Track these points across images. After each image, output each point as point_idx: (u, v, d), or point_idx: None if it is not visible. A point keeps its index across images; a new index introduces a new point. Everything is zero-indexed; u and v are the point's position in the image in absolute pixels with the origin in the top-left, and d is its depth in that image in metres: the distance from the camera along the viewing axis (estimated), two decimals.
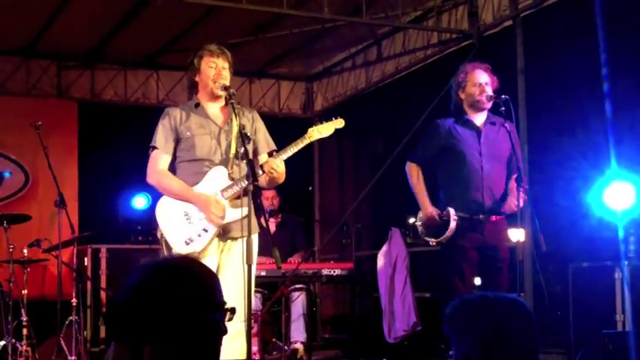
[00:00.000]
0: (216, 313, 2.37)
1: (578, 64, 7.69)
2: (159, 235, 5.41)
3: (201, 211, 5.32)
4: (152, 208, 5.60)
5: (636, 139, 7.13)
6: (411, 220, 6.20)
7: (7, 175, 9.76)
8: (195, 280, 2.36)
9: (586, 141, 7.73)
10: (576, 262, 6.76)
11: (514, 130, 6.27)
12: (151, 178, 5.50)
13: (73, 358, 7.67)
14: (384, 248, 8.73)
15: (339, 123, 5.61)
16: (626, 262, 6.33)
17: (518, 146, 6.17)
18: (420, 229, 6.22)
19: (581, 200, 7.06)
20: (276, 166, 5.34)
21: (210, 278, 2.42)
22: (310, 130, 5.51)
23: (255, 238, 4.95)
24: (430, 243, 6.22)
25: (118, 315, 2.30)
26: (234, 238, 5.40)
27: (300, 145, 5.43)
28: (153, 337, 2.25)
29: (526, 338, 2.66)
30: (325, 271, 8.06)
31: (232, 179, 5.38)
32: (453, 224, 6.02)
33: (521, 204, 5.80)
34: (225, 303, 2.42)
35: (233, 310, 2.40)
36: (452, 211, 6.05)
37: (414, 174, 6.38)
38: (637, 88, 7.33)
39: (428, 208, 6.19)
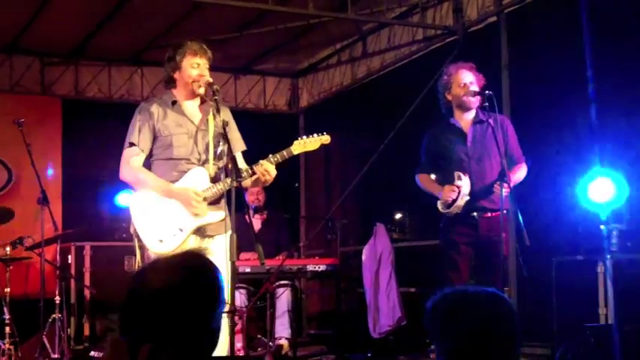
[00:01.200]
0: (218, 312, 2.39)
1: (562, 61, 7.76)
2: (132, 231, 5.36)
3: (182, 205, 5.28)
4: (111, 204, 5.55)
5: (618, 136, 7.21)
6: (440, 207, 6.17)
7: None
8: (207, 283, 2.38)
9: (570, 136, 7.81)
10: (559, 257, 6.82)
11: (507, 123, 6.31)
12: (126, 174, 5.44)
13: (56, 356, 7.65)
14: (369, 243, 8.76)
15: (325, 139, 5.59)
16: (609, 256, 6.38)
17: (501, 140, 6.18)
18: (444, 211, 6.19)
19: (564, 195, 7.13)
20: (271, 170, 5.32)
21: (217, 278, 2.43)
22: (296, 142, 5.48)
23: (229, 236, 4.93)
24: (457, 211, 6.14)
25: (128, 310, 2.33)
26: (211, 236, 5.38)
27: (284, 156, 5.38)
28: (155, 336, 2.28)
29: (506, 332, 2.65)
30: (310, 267, 8.09)
31: (212, 181, 5.36)
32: (464, 181, 6.04)
33: (505, 192, 5.83)
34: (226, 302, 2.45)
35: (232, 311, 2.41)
36: (457, 173, 6.08)
37: (423, 180, 6.43)
38: (620, 87, 7.39)
39: (440, 189, 6.20)
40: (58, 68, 10.58)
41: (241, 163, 5.46)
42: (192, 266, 2.41)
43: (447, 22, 8.64)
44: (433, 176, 6.52)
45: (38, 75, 10.47)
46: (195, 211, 5.27)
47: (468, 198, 6.07)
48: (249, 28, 9.55)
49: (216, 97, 5.19)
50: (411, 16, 9.10)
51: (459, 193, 6.06)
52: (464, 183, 6.05)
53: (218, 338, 2.43)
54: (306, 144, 5.52)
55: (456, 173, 6.09)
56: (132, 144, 5.42)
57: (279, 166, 5.39)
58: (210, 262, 2.46)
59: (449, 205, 6.12)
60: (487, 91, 6.08)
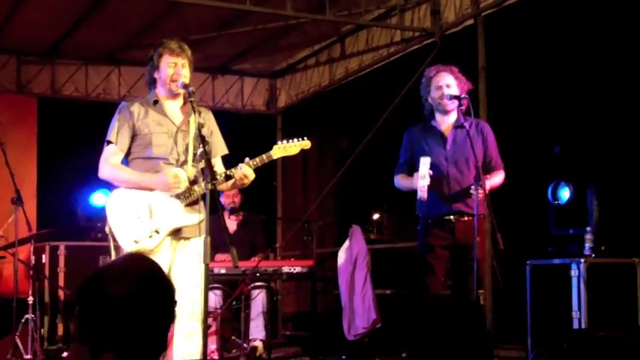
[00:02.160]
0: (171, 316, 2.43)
1: (539, 63, 7.80)
2: (107, 230, 5.33)
3: (161, 187, 5.24)
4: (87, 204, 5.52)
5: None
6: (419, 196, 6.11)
7: None
8: (167, 294, 2.44)
9: (546, 139, 7.85)
10: (533, 260, 6.85)
11: (487, 129, 6.31)
12: (104, 172, 5.41)
13: (29, 357, 7.59)
14: (345, 245, 8.74)
15: (305, 144, 5.55)
16: (583, 260, 6.42)
17: (479, 145, 6.19)
18: (421, 200, 6.15)
19: (539, 199, 7.17)
20: (250, 174, 5.29)
21: (169, 281, 2.48)
22: (275, 147, 5.43)
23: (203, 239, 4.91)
24: (422, 194, 6.09)
25: (84, 317, 2.35)
26: (187, 238, 5.36)
27: (264, 160, 5.35)
28: (116, 345, 2.30)
29: (479, 337, 2.70)
30: (286, 269, 8.07)
31: (191, 183, 5.34)
32: (422, 164, 6.03)
33: (480, 195, 5.84)
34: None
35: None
36: (421, 158, 6.06)
37: (400, 179, 6.41)
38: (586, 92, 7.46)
39: (413, 178, 6.17)
40: (34, 67, 10.52)
41: (219, 167, 5.45)
42: (147, 271, 2.44)
43: (424, 24, 8.66)
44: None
45: (14, 73, 10.40)
46: (176, 190, 5.25)
47: (428, 180, 6.01)
48: (227, 28, 9.54)
49: (192, 99, 5.16)
50: (389, 18, 9.14)
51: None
52: (421, 165, 6.01)
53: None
54: (286, 148, 5.50)
55: (420, 158, 6.07)
56: (110, 142, 5.39)
57: (255, 167, 5.37)
58: (159, 266, 2.50)
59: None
60: (463, 95, 6.09)
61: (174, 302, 2.46)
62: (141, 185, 5.32)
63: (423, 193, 6.00)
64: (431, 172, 6.00)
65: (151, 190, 5.32)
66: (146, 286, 2.37)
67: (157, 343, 2.37)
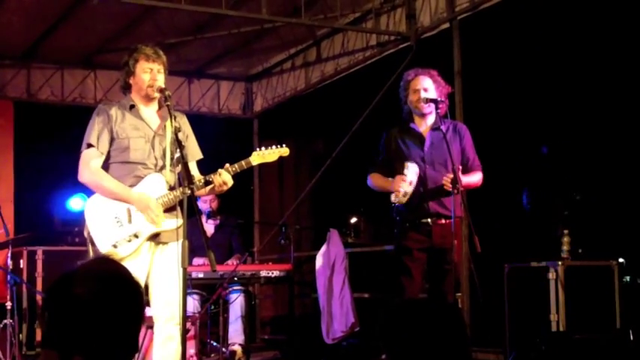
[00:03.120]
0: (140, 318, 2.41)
1: (515, 67, 7.79)
2: (86, 235, 5.29)
3: (141, 212, 5.21)
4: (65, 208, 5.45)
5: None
6: (393, 199, 6.08)
7: None
8: (134, 296, 2.40)
9: (522, 143, 7.84)
10: (511, 263, 6.83)
11: (464, 130, 6.28)
12: (85, 177, 5.33)
13: None
14: (323, 249, 8.72)
15: (283, 151, 5.58)
16: (560, 263, 6.41)
17: (457, 147, 6.16)
18: (395, 200, 6.10)
19: (515, 202, 7.16)
20: (229, 181, 5.26)
21: (139, 289, 2.46)
22: (254, 153, 5.44)
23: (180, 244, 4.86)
24: (404, 200, 6.06)
25: (52, 321, 2.32)
26: (165, 243, 5.31)
27: (243, 166, 5.33)
28: (84, 348, 2.26)
29: (457, 340, 2.67)
30: (264, 273, 8.03)
31: (170, 188, 5.29)
32: (410, 169, 5.99)
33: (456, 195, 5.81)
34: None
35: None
36: (406, 162, 6.03)
37: (374, 179, 6.36)
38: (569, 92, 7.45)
39: (390, 182, 6.13)
40: (9, 70, 10.40)
41: (195, 172, 5.41)
42: (113, 272, 2.41)
43: (400, 28, 8.63)
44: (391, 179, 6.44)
45: None
46: (153, 218, 5.20)
47: (414, 185, 5.98)
48: (202, 32, 9.49)
49: (168, 103, 5.10)
50: (364, 21, 9.11)
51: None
52: (409, 171, 6.00)
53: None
54: (264, 155, 5.51)
55: (405, 163, 6.04)
56: (90, 145, 5.32)
57: (235, 173, 5.33)
58: (125, 268, 2.49)
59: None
60: (440, 99, 6.08)
61: (143, 304, 2.44)
62: (121, 199, 5.26)
63: (403, 198, 5.97)
64: (412, 186, 5.98)
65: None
66: (112, 287, 2.34)
67: (126, 345, 2.34)
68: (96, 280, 2.33)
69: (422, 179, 6.11)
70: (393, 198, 6.08)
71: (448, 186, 5.84)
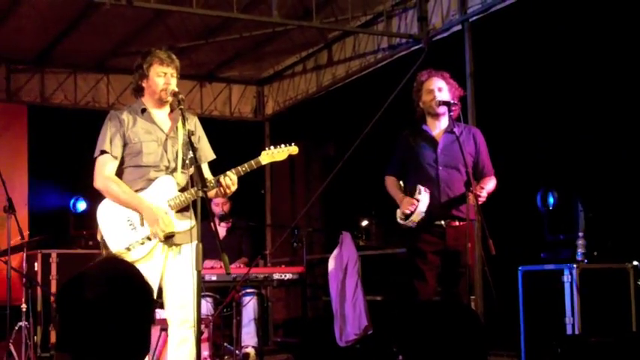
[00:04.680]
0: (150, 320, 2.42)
1: (528, 69, 7.69)
2: (99, 238, 5.28)
3: (148, 224, 5.17)
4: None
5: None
6: (398, 217, 6.01)
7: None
8: (144, 295, 2.39)
9: (537, 144, 7.73)
10: (526, 266, 6.73)
11: (479, 135, 6.20)
12: (99, 183, 5.31)
13: None
14: (335, 252, 8.68)
15: (292, 149, 5.52)
16: (575, 265, 6.31)
17: (472, 150, 6.08)
18: (401, 222, 6.05)
19: (531, 204, 7.06)
20: (234, 184, 5.21)
21: (149, 289, 2.45)
22: (263, 152, 5.40)
23: (194, 246, 4.84)
24: (411, 225, 6.01)
25: (63, 323, 2.31)
26: (178, 245, 5.28)
27: (252, 166, 5.31)
28: (96, 349, 2.25)
29: (473, 344, 2.64)
30: (276, 275, 8.02)
31: (181, 189, 5.27)
32: (423, 197, 5.92)
33: (472, 202, 5.73)
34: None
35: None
36: (420, 187, 5.95)
37: (389, 184, 6.30)
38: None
39: (401, 199, 6.06)
40: (23, 75, 10.45)
41: (207, 173, 5.37)
42: (122, 273, 2.41)
43: (411, 30, 8.60)
44: (402, 183, 6.37)
45: (4, 81, 10.33)
46: (157, 232, 5.15)
47: (423, 215, 5.93)
48: (214, 36, 9.48)
49: (182, 107, 5.14)
50: (375, 24, 9.08)
51: (416, 207, 5.92)
52: (422, 199, 5.92)
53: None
54: (274, 154, 5.45)
55: (418, 187, 5.95)
56: (104, 151, 5.31)
57: (244, 174, 5.30)
58: (135, 267, 2.49)
59: (406, 217, 5.99)
60: (454, 102, 6.00)
61: (153, 303, 2.44)
62: (129, 207, 5.23)
63: (409, 223, 5.91)
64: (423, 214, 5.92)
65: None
66: (121, 288, 2.34)
67: (138, 345, 2.33)
68: (105, 281, 2.33)
69: (435, 182, 6.03)
70: (398, 217, 6.01)
71: (472, 199, 5.76)
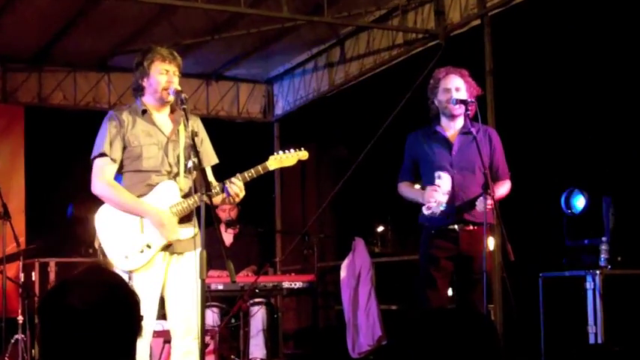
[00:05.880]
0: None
1: (550, 66, 7.74)
2: (97, 246, 5.30)
3: (155, 227, 5.22)
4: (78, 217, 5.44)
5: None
6: (425, 211, 6.08)
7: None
8: (129, 305, 2.41)
9: (557, 145, 7.78)
10: (546, 272, 6.79)
11: (495, 136, 6.25)
12: (98, 189, 5.33)
13: None
14: (348, 259, 8.72)
15: (302, 154, 5.55)
16: (598, 272, 6.36)
17: (486, 152, 6.13)
18: (428, 213, 6.11)
19: (552, 208, 7.10)
20: (241, 190, 5.26)
21: (136, 299, 2.47)
22: (271, 157, 5.42)
23: (198, 253, 4.84)
24: (441, 209, 6.07)
25: (46, 334, 2.34)
26: (181, 253, 5.32)
27: (259, 171, 5.33)
28: None
29: (490, 354, 2.63)
30: (286, 284, 8.07)
31: (184, 195, 5.31)
32: (444, 180, 5.99)
33: (489, 206, 5.78)
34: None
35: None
36: (438, 172, 6.02)
37: (403, 189, 6.34)
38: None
39: (422, 193, 6.12)
40: (20, 74, 10.46)
41: (211, 178, 5.41)
42: (108, 281, 2.43)
43: (428, 25, 8.60)
44: (417, 186, 6.43)
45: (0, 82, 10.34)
46: (166, 234, 5.21)
47: (447, 196, 5.98)
48: (220, 32, 9.49)
49: (185, 107, 5.13)
50: (390, 19, 9.08)
51: (438, 192, 5.99)
52: (444, 181, 5.98)
53: None
54: (282, 160, 5.48)
55: (436, 173, 6.01)
56: (103, 154, 5.32)
57: (253, 179, 5.33)
58: (120, 277, 2.53)
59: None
60: (471, 100, 6.03)
61: (139, 312, 2.44)
62: (133, 213, 5.27)
63: (438, 208, 5.96)
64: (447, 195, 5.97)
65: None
66: (107, 297, 2.36)
67: (122, 357, 2.36)
68: (90, 290, 2.34)
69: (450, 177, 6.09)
70: (425, 210, 6.05)
71: (480, 207, 5.83)
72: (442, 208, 5.98)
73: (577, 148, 7.66)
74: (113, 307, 2.34)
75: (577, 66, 7.59)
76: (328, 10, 8.34)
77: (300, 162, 5.59)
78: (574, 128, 7.68)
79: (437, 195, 5.94)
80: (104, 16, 8.82)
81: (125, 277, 5.04)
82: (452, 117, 6.20)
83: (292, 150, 5.53)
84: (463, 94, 6.13)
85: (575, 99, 7.69)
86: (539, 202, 7.54)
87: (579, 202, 6.91)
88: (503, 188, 6.12)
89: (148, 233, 5.25)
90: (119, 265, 5.18)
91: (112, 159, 5.32)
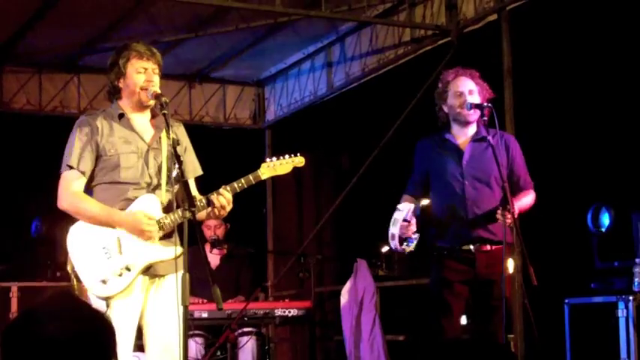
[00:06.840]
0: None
1: (574, 66, 7.76)
2: (69, 269, 5.23)
3: (132, 232, 5.16)
4: (44, 236, 5.43)
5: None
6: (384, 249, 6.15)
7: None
8: (101, 332, 2.44)
9: (582, 154, 7.80)
10: (573, 298, 6.80)
11: (513, 142, 6.24)
12: (64, 202, 5.27)
13: None
14: (349, 283, 8.72)
15: (298, 161, 5.51)
16: (631, 298, 6.37)
17: (504, 161, 6.13)
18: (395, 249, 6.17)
19: (578, 226, 7.10)
20: (229, 203, 5.22)
21: (111, 329, 2.49)
22: (263, 165, 5.39)
23: (179, 276, 4.78)
24: (400, 251, 6.14)
25: None
26: (162, 276, 5.28)
27: (251, 181, 5.29)
28: None
29: None
30: (279, 311, 8.06)
31: (166, 210, 5.27)
32: (398, 211, 6.04)
33: (508, 222, 5.77)
34: None
35: None
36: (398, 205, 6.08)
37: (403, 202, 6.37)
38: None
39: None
40: None
41: (194, 191, 5.38)
42: (81, 309, 2.46)
43: (439, 20, 8.63)
44: (426, 201, 6.43)
45: None
46: (148, 235, 5.18)
47: (397, 229, 6.03)
48: (205, 29, 9.51)
49: (165, 112, 5.09)
50: (396, 13, 9.10)
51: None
52: (398, 213, 6.02)
53: None
54: (276, 167, 5.45)
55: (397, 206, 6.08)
56: (69, 166, 5.28)
57: (241, 191, 5.31)
58: (88, 304, 2.56)
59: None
60: (486, 104, 6.01)
61: (112, 340, 2.46)
62: (108, 224, 5.23)
63: (392, 241, 6.02)
64: (413, 218, 6.01)
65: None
66: (79, 329, 2.37)
67: None
68: (60, 321, 2.35)
69: (460, 198, 6.09)
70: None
71: (500, 218, 5.82)
72: (407, 245, 6.03)
73: (604, 158, 7.67)
74: (86, 339, 2.36)
75: (605, 66, 7.62)
76: (326, 4, 8.37)
77: (295, 172, 5.59)
78: (600, 135, 7.70)
79: (391, 228, 5.99)
80: (73, 8, 8.81)
81: (102, 304, 5.03)
82: (465, 123, 6.19)
83: (287, 156, 5.51)
84: (477, 99, 6.11)
85: (600, 103, 7.72)
86: (563, 219, 7.55)
87: (606, 220, 6.92)
88: (526, 199, 6.09)
89: (127, 254, 5.20)
90: (95, 291, 5.14)
91: (80, 172, 5.28)
